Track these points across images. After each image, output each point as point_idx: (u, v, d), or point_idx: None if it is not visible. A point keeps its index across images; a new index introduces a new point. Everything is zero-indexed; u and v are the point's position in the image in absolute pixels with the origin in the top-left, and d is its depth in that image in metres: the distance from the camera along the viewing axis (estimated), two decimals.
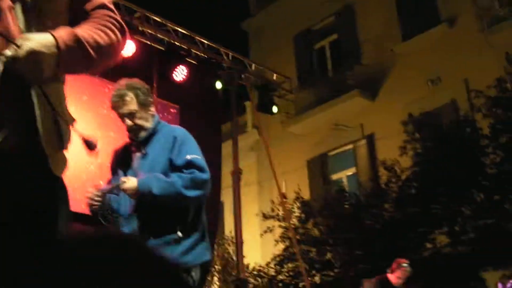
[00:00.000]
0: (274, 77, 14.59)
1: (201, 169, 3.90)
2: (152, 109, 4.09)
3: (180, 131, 4.15)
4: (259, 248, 16.83)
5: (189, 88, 11.62)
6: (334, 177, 18.16)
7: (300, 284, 13.56)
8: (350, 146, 18.09)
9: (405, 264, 8.37)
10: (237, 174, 11.20)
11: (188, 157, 3.89)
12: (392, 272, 8.36)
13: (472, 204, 12.21)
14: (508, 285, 14.06)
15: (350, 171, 17.87)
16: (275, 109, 12.86)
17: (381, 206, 13.19)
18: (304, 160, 18.87)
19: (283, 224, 14.18)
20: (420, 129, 12.84)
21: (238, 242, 10.72)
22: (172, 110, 9.54)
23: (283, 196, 14.60)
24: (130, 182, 3.77)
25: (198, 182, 3.86)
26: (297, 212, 14.51)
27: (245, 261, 15.49)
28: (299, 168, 18.64)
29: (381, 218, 12.96)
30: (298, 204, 14.55)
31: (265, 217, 14.42)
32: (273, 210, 14.23)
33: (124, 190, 3.78)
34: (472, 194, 12.21)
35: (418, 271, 12.64)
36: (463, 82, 15.09)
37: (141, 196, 3.77)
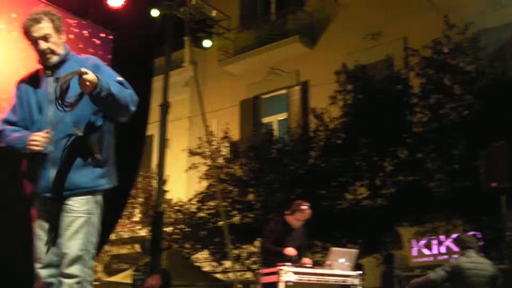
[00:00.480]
0: (214, 14, 14.22)
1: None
2: (64, 37, 4.05)
3: (97, 58, 4.08)
4: (184, 184, 16.76)
5: (126, 16, 11.17)
6: (265, 120, 18.14)
7: (219, 223, 13.60)
8: (284, 91, 18.02)
9: (304, 206, 8.01)
10: (164, 107, 11.01)
11: (119, 78, 3.89)
12: (291, 214, 8.07)
13: (394, 160, 12.38)
14: (422, 242, 14.48)
15: (281, 116, 17.87)
16: (207, 43, 12.54)
17: (307, 153, 13.23)
18: (237, 100, 18.83)
19: (208, 162, 14.09)
20: (353, 80, 12.83)
21: (160, 174, 10.61)
22: (102, 35, 9.15)
23: (210, 134, 14.53)
24: (91, 73, 3.60)
25: (134, 100, 3.90)
26: (224, 151, 14.42)
27: (169, 195, 15.48)
28: (232, 108, 18.52)
29: (305, 164, 13.01)
30: (226, 143, 14.40)
31: (192, 153, 14.27)
32: (199, 147, 14.11)
33: (85, 80, 3.59)
34: (396, 150, 12.37)
35: (337, 221, 12.92)
36: (402, 40, 15.15)
37: (97, 92, 3.62)
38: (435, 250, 14.51)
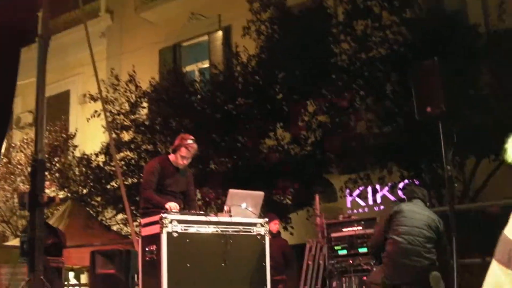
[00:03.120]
0: None
1: None
2: None
3: None
4: (91, 135, 15.01)
5: None
6: (187, 69, 16.37)
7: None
8: (205, 38, 16.36)
9: (189, 139, 6.43)
10: (45, 40, 9.14)
11: None
12: (174, 150, 6.46)
13: (319, 99, 10.79)
14: (357, 191, 13.05)
15: (203, 64, 16.22)
16: None
17: (224, 97, 11.55)
18: (156, 49, 17.15)
19: (110, 108, 12.30)
20: (267, 8, 11.09)
21: (39, 117, 8.78)
22: None
23: (116, 77, 12.76)
24: None
25: None
26: (132, 97, 12.65)
27: (78, 150, 13.75)
28: (151, 58, 16.77)
29: (221, 109, 11.33)
30: (132, 87, 12.65)
31: (93, 99, 12.42)
32: (101, 91, 12.14)
33: None
34: (320, 88, 10.77)
35: (258, 170, 11.36)
36: None
37: None
38: (370, 201, 13.16)
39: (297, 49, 10.50)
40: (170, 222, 5.76)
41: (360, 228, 6.93)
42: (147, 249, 5.87)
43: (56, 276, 8.51)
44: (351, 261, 6.99)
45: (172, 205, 6.08)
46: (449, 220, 6.35)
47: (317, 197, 9.13)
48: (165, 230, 5.71)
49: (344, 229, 7.12)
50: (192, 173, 7.03)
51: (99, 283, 7.11)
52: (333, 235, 7.23)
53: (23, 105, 18.60)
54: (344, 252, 7.13)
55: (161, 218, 5.71)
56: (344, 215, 8.19)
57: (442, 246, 6.11)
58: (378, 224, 6.31)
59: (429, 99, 6.89)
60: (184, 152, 6.37)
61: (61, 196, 13.35)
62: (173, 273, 5.65)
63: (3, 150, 13.80)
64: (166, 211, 5.86)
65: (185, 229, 5.81)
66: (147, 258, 5.86)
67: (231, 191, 6.19)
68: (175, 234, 5.75)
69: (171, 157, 6.50)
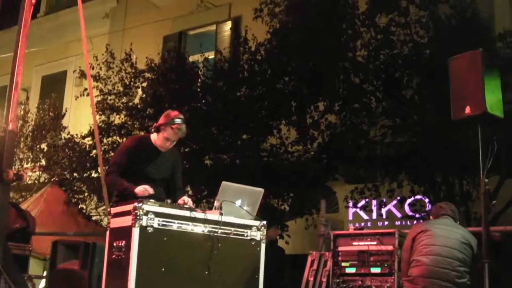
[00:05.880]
0: None
1: None
2: None
3: None
4: (83, 118, 13.83)
5: None
6: (191, 59, 15.16)
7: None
8: (213, 28, 15.30)
9: (178, 119, 5.09)
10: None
11: None
12: (159, 129, 5.13)
13: (330, 94, 9.61)
14: (361, 203, 11.78)
15: (208, 55, 15.00)
16: None
17: (228, 86, 10.44)
18: (160, 36, 16.00)
19: (100, 87, 11.14)
20: None
21: (13, 84, 7.62)
22: None
23: (111, 55, 11.62)
24: None
25: None
26: (127, 78, 11.60)
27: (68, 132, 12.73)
28: (154, 45, 15.59)
29: (223, 98, 10.15)
30: (128, 68, 11.62)
31: (83, 75, 11.27)
32: (93, 68, 10.95)
33: None
34: (333, 82, 9.59)
35: (258, 171, 10.17)
36: None
37: None
38: (374, 214, 11.99)
39: (311, 38, 9.40)
40: (145, 214, 4.56)
41: (374, 243, 5.67)
42: (114, 244, 4.67)
43: (16, 266, 7.27)
44: (360, 282, 5.73)
45: (141, 188, 4.83)
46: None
47: (322, 203, 7.98)
48: (138, 223, 4.52)
49: (354, 243, 5.87)
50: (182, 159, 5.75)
51: (57, 281, 5.83)
52: (341, 249, 5.97)
53: None
54: (353, 270, 5.86)
55: (135, 208, 4.50)
56: (354, 227, 6.90)
57: (476, 271, 4.93)
58: (404, 248, 5.14)
59: (468, 98, 5.68)
60: (169, 133, 5.09)
61: (42, 180, 12.22)
62: (143, 278, 4.47)
63: None
64: (142, 199, 4.62)
65: (163, 225, 4.62)
66: (114, 256, 4.66)
67: (224, 183, 4.95)
68: (150, 230, 4.55)
69: (153, 136, 5.23)
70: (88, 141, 11.72)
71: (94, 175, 11.40)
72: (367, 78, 9.79)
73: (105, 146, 10.86)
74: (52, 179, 12.31)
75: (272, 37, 10.16)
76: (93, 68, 10.90)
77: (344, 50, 9.73)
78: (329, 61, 9.57)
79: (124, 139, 10.97)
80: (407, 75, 9.66)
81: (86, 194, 12.15)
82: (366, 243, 5.81)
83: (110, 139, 11.13)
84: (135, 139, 5.43)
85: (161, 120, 5.15)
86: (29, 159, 13.19)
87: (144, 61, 11.54)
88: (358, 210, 11.88)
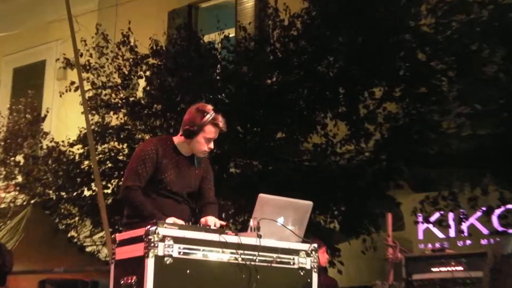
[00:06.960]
0: None
1: None
2: None
3: None
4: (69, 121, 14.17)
5: None
6: (206, 39, 15.48)
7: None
8: None
9: (215, 112, 5.09)
10: None
11: None
12: (190, 134, 5.10)
13: (388, 77, 9.82)
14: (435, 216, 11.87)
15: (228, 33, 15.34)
16: None
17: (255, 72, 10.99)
18: (165, 11, 16.65)
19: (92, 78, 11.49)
20: None
21: None
22: None
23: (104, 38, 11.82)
24: None
25: None
26: (126, 66, 12.03)
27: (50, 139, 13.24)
28: (156, 21, 15.91)
29: (250, 87, 10.51)
30: (126, 53, 11.98)
31: (69, 64, 11.57)
32: (81, 55, 11.19)
33: None
34: (392, 63, 9.77)
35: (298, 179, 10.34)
36: None
37: None
38: (452, 232, 12.29)
39: (361, 4, 9.82)
40: (162, 240, 4.57)
41: (460, 268, 5.66)
42: (122, 281, 4.69)
43: None
44: None
45: (170, 221, 4.84)
46: None
47: (389, 216, 8.02)
48: (152, 253, 4.52)
49: (433, 269, 5.89)
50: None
51: None
52: (416, 277, 5.99)
53: None
54: None
55: (147, 233, 4.50)
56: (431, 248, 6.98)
57: None
58: None
59: None
60: (210, 131, 5.08)
61: (19, 202, 12.43)
62: None
63: None
64: (157, 223, 4.63)
65: (185, 253, 4.62)
66: None
67: (262, 196, 4.94)
68: (168, 260, 4.55)
69: (177, 140, 5.23)
70: (77, 149, 12.01)
71: (87, 193, 11.58)
72: (436, 54, 10.09)
73: (100, 155, 11.04)
74: (33, 201, 12.59)
75: (310, 5, 10.46)
76: (81, 56, 11.12)
77: (404, 18, 10.02)
78: (385, 34, 9.87)
79: (125, 145, 11.21)
80: (488, 47, 9.86)
81: (77, 218, 12.32)
82: (449, 268, 5.82)
83: (106, 145, 11.31)
84: (155, 142, 5.39)
85: (193, 118, 5.10)
86: (1, 176, 13.44)
87: (146, 43, 11.81)
88: (430, 226, 12.04)
